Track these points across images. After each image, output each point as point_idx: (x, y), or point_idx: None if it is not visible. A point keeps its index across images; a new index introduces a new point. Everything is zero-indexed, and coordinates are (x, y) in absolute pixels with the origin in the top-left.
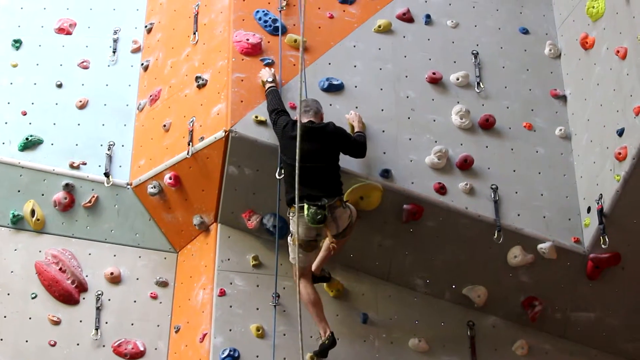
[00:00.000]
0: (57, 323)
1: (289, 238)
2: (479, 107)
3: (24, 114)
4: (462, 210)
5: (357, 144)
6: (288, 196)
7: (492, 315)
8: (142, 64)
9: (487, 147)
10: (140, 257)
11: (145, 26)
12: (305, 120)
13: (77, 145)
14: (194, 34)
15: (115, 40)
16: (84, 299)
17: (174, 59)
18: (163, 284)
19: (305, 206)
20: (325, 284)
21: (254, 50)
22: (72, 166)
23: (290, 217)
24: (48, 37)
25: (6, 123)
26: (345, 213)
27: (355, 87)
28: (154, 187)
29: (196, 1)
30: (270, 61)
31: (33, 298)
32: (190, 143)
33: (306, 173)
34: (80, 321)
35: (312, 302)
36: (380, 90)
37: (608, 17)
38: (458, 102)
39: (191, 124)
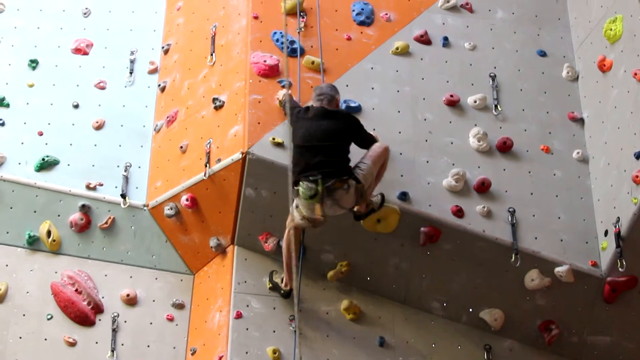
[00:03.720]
0: (72, 344)
1: (294, 207)
2: (497, 130)
3: (41, 134)
4: (480, 233)
5: (367, 136)
6: (293, 178)
7: (509, 338)
8: (159, 85)
9: (504, 170)
10: (156, 278)
11: (162, 47)
12: (317, 104)
13: (93, 166)
14: (211, 55)
15: (132, 61)
16: (100, 320)
17: (191, 80)
18: (179, 306)
19: (301, 183)
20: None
21: (271, 72)
22: (88, 187)
23: (296, 195)
24: (65, 58)
25: (22, 143)
26: (347, 194)
27: (373, 109)
28: (171, 209)
29: (213, 22)
30: (287, 82)
31: (49, 319)
32: (207, 165)
33: (311, 152)
34: (96, 343)
35: (288, 251)
36: (397, 112)
37: (626, 39)
38: (475, 125)
39: (208, 146)
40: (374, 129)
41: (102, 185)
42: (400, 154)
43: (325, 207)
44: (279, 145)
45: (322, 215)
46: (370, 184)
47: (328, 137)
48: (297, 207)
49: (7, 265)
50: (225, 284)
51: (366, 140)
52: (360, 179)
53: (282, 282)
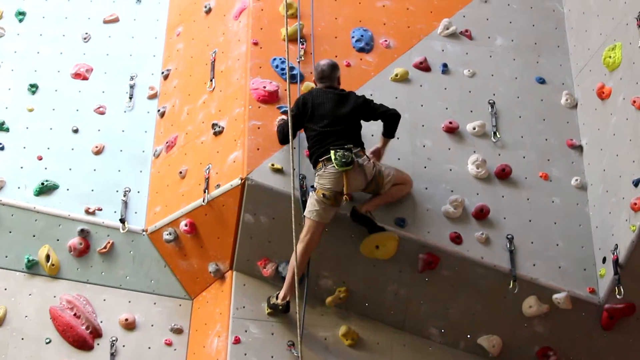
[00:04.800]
0: None
1: (311, 192)
2: (495, 157)
3: (40, 158)
4: (478, 260)
5: (381, 108)
6: (313, 157)
7: None
8: (159, 110)
9: (503, 196)
10: (155, 303)
11: (162, 72)
12: (321, 86)
13: (92, 190)
14: (211, 80)
15: (131, 86)
16: (98, 344)
17: (191, 106)
18: (178, 331)
19: (332, 152)
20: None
21: (270, 98)
22: (87, 212)
23: (316, 173)
24: (64, 82)
25: (22, 168)
26: (368, 164)
27: (372, 135)
28: (170, 234)
29: (213, 48)
30: (287, 109)
31: (47, 343)
32: (206, 190)
33: (331, 134)
34: None
35: (297, 267)
36: (397, 139)
37: (625, 67)
38: (474, 152)
39: (207, 171)
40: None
41: (101, 210)
42: None
43: (353, 173)
44: (279, 171)
45: (348, 185)
46: (388, 181)
47: (346, 121)
48: (316, 190)
49: (5, 289)
50: (224, 309)
51: (383, 111)
52: (379, 166)
53: (276, 298)
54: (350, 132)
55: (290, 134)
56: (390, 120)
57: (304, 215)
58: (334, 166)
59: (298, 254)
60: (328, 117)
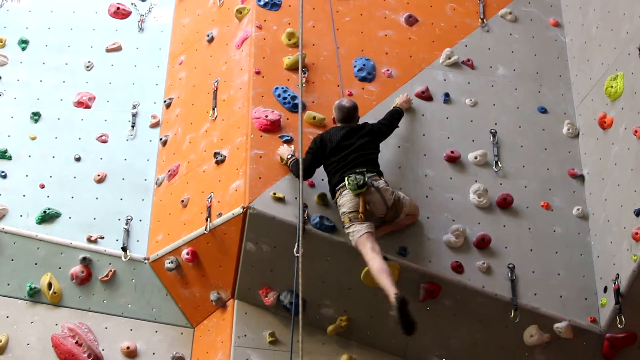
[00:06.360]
0: None
1: (342, 217)
2: (497, 186)
3: (42, 187)
4: (479, 289)
5: (382, 124)
6: (330, 188)
7: None
8: (161, 139)
9: (504, 226)
10: (156, 331)
11: (164, 101)
12: (340, 125)
13: (94, 219)
14: (213, 109)
15: (134, 115)
16: None
17: (193, 135)
18: (179, 359)
19: (346, 178)
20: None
21: (272, 127)
22: (89, 240)
23: (337, 203)
24: (67, 111)
25: (24, 196)
26: (387, 189)
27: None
28: (172, 262)
29: (215, 77)
30: (289, 138)
31: None
32: (208, 219)
33: (347, 164)
34: None
35: (381, 269)
36: (398, 168)
37: (626, 96)
38: (476, 181)
39: (209, 200)
40: None
41: (103, 238)
42: None
43: (370, 197)
44: (280, 200)
45: (369, 204)
46: (404, 210)
47: (363, 149)
48: (343, 219)
49: (7, 317)
50: (225, 337)
51: (384, 124)
52: (398, 194)
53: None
54: (366, 159)
55: (300, 169)
56: (396, 114)
57: (355, 246)
58: (349, 191)
59: (376, 267)
60: (345, 148)
